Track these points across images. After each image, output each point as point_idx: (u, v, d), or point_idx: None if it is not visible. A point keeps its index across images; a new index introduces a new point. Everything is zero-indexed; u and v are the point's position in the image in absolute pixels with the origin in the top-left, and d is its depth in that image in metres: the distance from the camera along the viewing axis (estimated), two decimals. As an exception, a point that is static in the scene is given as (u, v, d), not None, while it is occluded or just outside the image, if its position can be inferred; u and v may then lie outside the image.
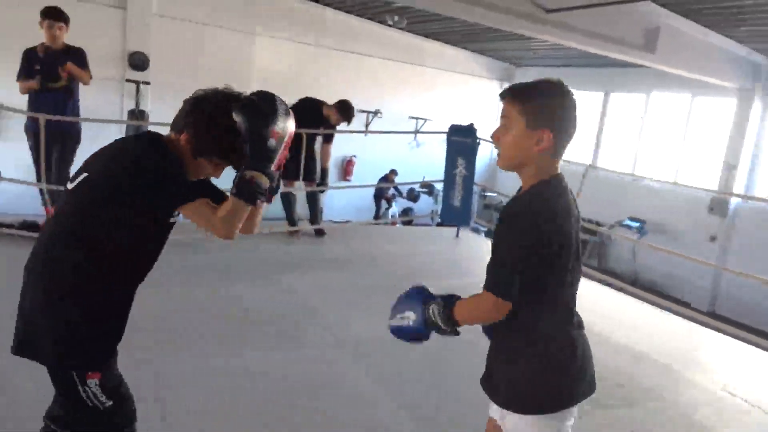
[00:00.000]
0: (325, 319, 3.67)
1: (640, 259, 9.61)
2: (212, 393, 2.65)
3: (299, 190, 5.57)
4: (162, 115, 8.96)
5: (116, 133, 8.32)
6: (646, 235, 9.26)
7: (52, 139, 4.28)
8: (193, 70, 9.28)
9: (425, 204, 11.35)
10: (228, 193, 1.56)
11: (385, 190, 11.22)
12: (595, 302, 4.91)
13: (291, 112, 1.56)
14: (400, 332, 1.51)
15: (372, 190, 11.33)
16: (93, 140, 4.84)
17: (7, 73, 4.35)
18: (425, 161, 10.99)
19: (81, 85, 4.44)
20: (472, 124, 6.06)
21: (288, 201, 5.43)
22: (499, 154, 1.45)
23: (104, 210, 1.49)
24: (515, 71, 13.01)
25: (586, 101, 11.64)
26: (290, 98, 9.03)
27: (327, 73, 10.40)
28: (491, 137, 1.46)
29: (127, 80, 8.64)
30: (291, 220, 5.50)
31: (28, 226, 4.54)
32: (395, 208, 11.58)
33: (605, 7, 6.36)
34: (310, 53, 10.29)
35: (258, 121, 1.49)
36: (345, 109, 5.38)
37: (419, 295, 1.50)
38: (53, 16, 4.19)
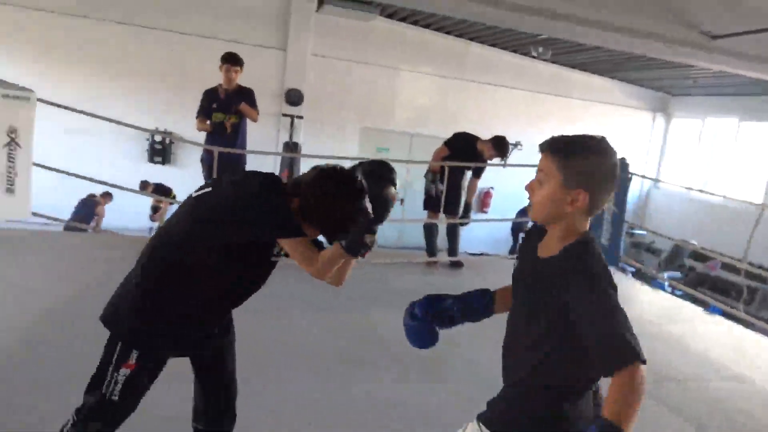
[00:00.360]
0: (465, 354, 3.59)
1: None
2: (350, 421, 2.70)
3: (441, 222, 5.62)
4: (312, 146, 9.63)
5: (271, 164, 9.09)
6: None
7: (222, 169, 4.80)
8: (341, 104, 9.89)
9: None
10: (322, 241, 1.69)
11: (523, 224, 10.91)
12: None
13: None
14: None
15: (509, 224, 11.09)
16: (256, 169, 5.46)
17: (183, 110, 4.96)
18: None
19: (248, 121, 4.95)
20: (623, 158, 5.72)
21: (430, 232, 5.52)
22: (531, 206, 1.40)
23: (208, 225, 1.63)
24: (670, 101, 12.10)
25: (755, 132, 10.47)
26: (431, 130, 9.35)
27: (467, 106, 10.48)
28: (525, 188, 1.40)
29: (284, 115, 9.41)
30: (431, 251, 5.56)
31: None
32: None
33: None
34: (452, 86, 10.45)
35: (384, 188, 1.65)
36: (500, 145, 5.40)
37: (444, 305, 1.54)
38: (232, 61, 4.75)
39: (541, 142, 1.43)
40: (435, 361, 3.44)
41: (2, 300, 3.46)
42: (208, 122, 4.84)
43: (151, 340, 1.66)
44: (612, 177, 1.36)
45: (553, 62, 10.53)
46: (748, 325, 5.07)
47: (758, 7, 5.65)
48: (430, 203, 5.49)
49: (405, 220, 10.22)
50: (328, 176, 1.67)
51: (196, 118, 4.90)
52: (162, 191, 8.04)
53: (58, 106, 4.59)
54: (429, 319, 1.62)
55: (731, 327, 5.05)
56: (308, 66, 9.51)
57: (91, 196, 7.84)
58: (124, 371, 1.61)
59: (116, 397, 1.62)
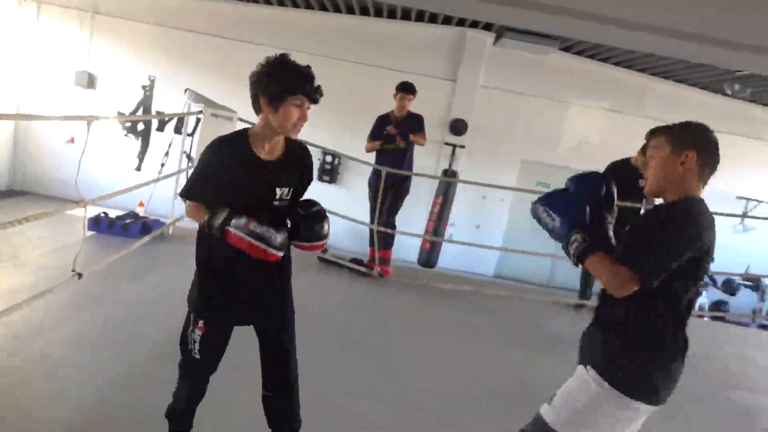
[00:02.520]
0: None
1: None
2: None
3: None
4: (470, 175, 9.69)
5: (428, 189, 9.32)
6: None
7: (387, 189, 5.14)
8: (505, 136, 9.84)
9: (746, 300, 9.56)
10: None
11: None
12: None
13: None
14: (535, 216, 1.69)
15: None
16: (415, 193, 5.67)
17: (353, 134, 5.37)
18: (753, 249, 9.31)
19: (415, 146, 5.20)
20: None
21: (588, 275, 5.24)
22: (647, 182, 1.67)
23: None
24: None
25: None
26: (595, 165, 8.88)
27: (637, 144, 9.79)
28: (641, 170, 1.65)
29: (446, 143, 9.62)
30: (585, 294, 5.30)
31: (357, 261, 5.55)
32: (705, 299, 10.02)
33: None
34: (625, 122, 9.84)
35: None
36: None
37: (578, 213, 1.61)
38: (407, 90, 5.07)
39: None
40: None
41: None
42: (379, 143, 5.14)
43: (207, 309, 1.99)
44: (714, 144, 1.60)
45: (751, 101, 9.44)
46: None
47: None
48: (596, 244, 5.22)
49: (557, 256, 9.81)
50: None
51: (368, 140, 5.25)
52: None
53: (253, 124, 5.23)
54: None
55: None
56: (476, 97, 9.64)
57: None
58: (197, 332, 1.97)
59: (197, 355, 1.99)
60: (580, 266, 1.59)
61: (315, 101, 1.93)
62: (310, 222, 1.95)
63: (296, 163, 2.03)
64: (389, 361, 3.50)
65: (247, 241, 1.78)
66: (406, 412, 2.82)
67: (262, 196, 1.91)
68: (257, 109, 1.91)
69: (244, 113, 5.00)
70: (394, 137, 5.06)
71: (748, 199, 9.91)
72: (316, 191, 8.59)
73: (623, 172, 5.05)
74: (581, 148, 9.92)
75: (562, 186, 1.74)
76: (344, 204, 8.14)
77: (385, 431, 2.71)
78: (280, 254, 1.84)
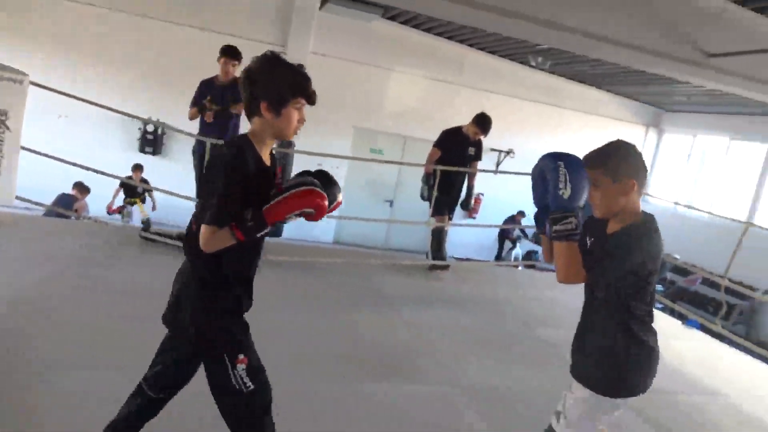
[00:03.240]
0: (442, 358, 3.65)
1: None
2: (324, 418, 2.73)
3: (449, 225, 5.66)
4: (306, 145, 9.64)
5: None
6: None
7: None
8: (337, 104, 9.90)
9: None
10: None
11: (510, 231, 11.00)
12: (741, 375, 4.40)
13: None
14: (545, 168, 1.76)
15: (497, 230, 11.16)
16: None
17: (177, 101, 4.96)
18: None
19: (243, 115, 4.96)
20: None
21: (437, 237, 5.54)
22: (596, 210, 1.78)
23: None
24: (663, 116, 12.23)
25: (744, 152, 10.60)
26: (425, 133, 9.42)
27: (462, 111, 10.48)
28: (589, 202, 1.75)
29: (279, 111, 9.42)
30: (439, 254, 5.56)
31: (183, 237, 5.09)
32: (519, 250, 11.28)
33: (774, 53, 5.80)
34: (449, 90, 10.50)
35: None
36: (481, 121, 5.32)
37: (583, 195, 1.69)
38: (230, 54, 4.76)
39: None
40: (411, 364, 3.48)
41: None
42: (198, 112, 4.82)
43: (237, 336, 1.79)
44: (641, 159, 1.78)
45: (551, 72, 10.61)
46: (724, 339, 5.14)
47: (754, 29, 5.76)
48: (437, 208, 5.47)
49: (392, 221, 10.29)
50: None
51: (190, 107, 4.90)
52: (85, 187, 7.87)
53: (51, 90, 4.56)
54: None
55: (707, 341, 5.13)
56: (307, 63, 9.47)
57: (68, 195, 7.71)
58: (241, 366, 1.76)
59: (252, 385, 1.77)
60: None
61: (313, 103, 1.83)
62: (330, 182, 1.88)
63: (274, 166, 1.90)
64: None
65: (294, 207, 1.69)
66: None
67: (264, 205, 1.73)
68: (254, 112, 1.75)
69: (38, 77, 4.35)
70: (224, 102, 4.74)
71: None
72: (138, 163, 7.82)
73: (455, 139, 5.39)
74: (409, 114, 10.38)
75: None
76: (171, 176, 7.60)
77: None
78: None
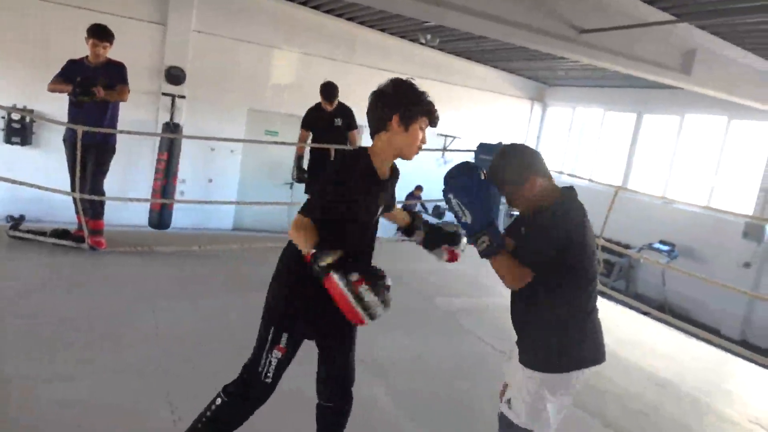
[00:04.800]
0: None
1: (670, 285, 9.39)
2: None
3: None
4: (196, 128, 9.19)
5: (150, 145, 8.56)
6: (676, 260, 9.05)
7: (87, 150, 4.37)
8: (227, 84, 9.51)
9: (450, 221, 11.33)
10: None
11: (411, 206, 11.24)
12: (621, 327, 4.83)
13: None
14: (446, 202, 1.83)
15: (398, 206, 11.35)
16: (128, 152, 5.01)
17: (45, 85, 4.45)
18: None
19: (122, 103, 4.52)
20: (500, 143, 6.07)
21: None
22: (518, 210, 1.92)
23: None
24: (546, 90, 12.96)
25: (618, 122, 11.51)
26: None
27: (356, 89, 10.46)
28: (507, 204, 1.89)
29: (164, 94, 8.88)
30: None
31: (60, 233, 4.64)
32: (421, 225, 11.56)
33: (640, 29, 6.30)
34: (341, 69, 10.41)
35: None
36: (322, 90, 5.36)
37: (486, 215, 1.77)
38: (99, 35, 4.27)
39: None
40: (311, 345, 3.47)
41: None
42: (64, 85, 4.27)
43: (297, 323, 1.89)
44: (529, 156, 1.89)
45: (440, 50, 10.85)
46: (604, 295, 5.61)
47: (622, 6, 6.21)
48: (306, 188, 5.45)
49: (291, 203, 10.14)
50: None
51: (51, 81, 4.32)
52: None
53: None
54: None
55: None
56: (191, 42, 9.03)
57: None
58: (276, 353, 1.85)
59: (269, 379, 1.87)
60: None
61: (435, 126, 1.95)
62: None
63: (394, 181, 2.04)
64: (117, 337, 3.18)
65: (347, 301, 1.68)
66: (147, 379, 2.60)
67: (373, 215, 1.95)
68: (380, 128, 1.88)
69: None
70: (93, 85, 4.25)
71: (446, 136, 11.58)
72: (6, 156, 7.21)
73: (317, 115, 5.39)
74: (303, 94, 10.17)
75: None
76: (41, 168, 6.98)
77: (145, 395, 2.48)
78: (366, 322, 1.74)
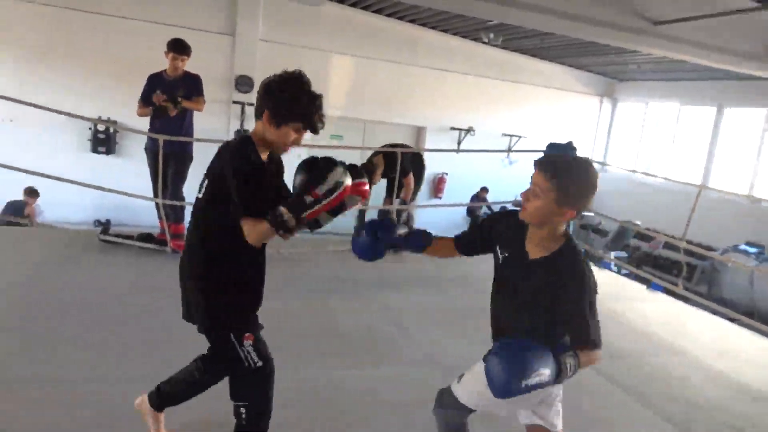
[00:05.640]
0: (417, 339, 3.66)
1: (759, 288, 8.76)
2: (303, 404, 2.70)
3: (395, 207, 5.70)
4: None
5: (222, 151, 8.88)
6: (766, 262, 8.45)
7: (167, 158, 4.62)
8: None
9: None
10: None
11: (476, 208, 11.09)
12: (705, 333, 4.55)
13: (345, 172, 1.80)
14: (536, 387, 1.49)
15: (463, 209, 11.24)
16: (203, 160, 5.20)
17: (127, 98, 4.72)
18: (519, 179, 10.80)
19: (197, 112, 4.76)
20: (571, 142, 5.84)
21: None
22: (523, 210, 1.66)
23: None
24: (616, 85, 12.45)
25: (696, 116, 10.90)
26: (385, 116, 9.38)
27: (419, 92, 10.51)
28: (521, 196, 1.65)
29: (234, 102, 9.21)
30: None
31: (144, 237, 4.95)
32: (487, 227, 11.39)
33: (720, 18, 5.94)
34: (404, 72, 10.44)
35: (304, 183, 1.79)
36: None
37: (547, 351, 1.50)
38: (178, 50, 4.54)
39: (535, 158, 1.66)
40: (388, 346, 3.48)
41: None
42: (150, 108, 4.62)
43: (243, 317, 1.97)
44: (593, 192, 1.63)
45: (504, 48, 10.66)
46: (687, 300, 5.31)
47: (697, -5, 5.88)
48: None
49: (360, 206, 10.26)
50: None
51: (139, 102, 4.69)
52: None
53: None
54: (378, 238, 1.93)
55: (671, 303, 5.29)
56: (258, 51, 9.31)
57: (17, 201, 7.36)
58: (248, 344, 1.93)
59: (260, 363, 1.95)
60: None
61: (316, 133, 1.92)
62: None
63: (276, 163, 2.02)
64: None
65: (336, 198, 1.78)
66: None
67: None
68: (257, 116, 1.88)
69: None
70: (166, 108, 4.51)
71: (511, 136, 11.35)
72: (92, 164, 7.69)
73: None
74: (366, 98, 10.30)
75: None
76: (126, 176, 7.36)
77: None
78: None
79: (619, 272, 7.17)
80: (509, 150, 10.85)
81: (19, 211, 7.17)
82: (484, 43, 10.11)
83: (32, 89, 7.34)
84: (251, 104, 9.24)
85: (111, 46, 8.54)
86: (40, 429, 2.28)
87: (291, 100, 1.83)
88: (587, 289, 1.61)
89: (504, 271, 1.79)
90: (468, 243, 1.95)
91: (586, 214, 10.67)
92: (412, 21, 10.09)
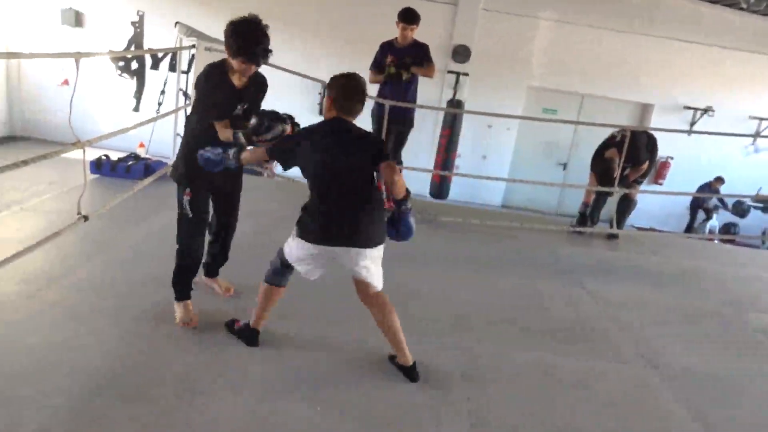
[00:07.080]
0: (634, 334, 3.43)
1: None
2: (512, 386, 2.69)
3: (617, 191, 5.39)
4: (476, 104, 9.45)
5: (432, 121, 9.11)
6: None
7: (391, 123, 4.92)
8: (509, 62, 9.53)
9: (756, 221, 9.55)
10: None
11: (705, 199, 9.79)
12: None
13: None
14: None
15: (688, 198, 10.02)
16: (415, 128, 5.48)
17: (356, 65, 5.03)
18: (763, 170, 9.23)
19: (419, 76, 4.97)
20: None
21: (625, 205, 5.58)
22: None
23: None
24: None
25: None
26: (605, 91, 8.69)
27: (650, 65, 9.49)
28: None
29: (449, 71, 9.33)
30: (620, 223, 5.57)
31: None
32: (715, 222, 10.02)
33: None
34: (634, 42, 9.50)
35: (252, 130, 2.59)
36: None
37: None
38: (409, 20, 4.76)
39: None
40: (603, 340, 3.30)
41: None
42: (382, 75, 4.91)
43: (192, 178, 2.73)
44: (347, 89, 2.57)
45: (765, 14, 9.04)
46: None
47: None
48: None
49: (564, 185, 9.75)
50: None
51: (370, 70, 5.02)
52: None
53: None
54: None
55: None
56: (479, 21, 9.27)
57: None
58: (186, 198, 2.74)
59: (190, 213, 2.75)
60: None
61: (258, 65, 2.58)
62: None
63: (252, 89, 2.74)
64: (397, 289, 3.50)
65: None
66: (411, 338, 2.78)
67: (230, 112, 2.67)
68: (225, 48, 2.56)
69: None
70: (401, 66, 4.79)
71: (760, 119, 9.69)
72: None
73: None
74: (590, 72, 9.64)
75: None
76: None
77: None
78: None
79: None
80: (756, 135, 9.30)
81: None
82: (741, 9, 8.69)
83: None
84: (466, 74, 9.30)
85: (342, 14, 9.23)
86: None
87: (232, 38, 2.46)
88: None
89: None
90: None
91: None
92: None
